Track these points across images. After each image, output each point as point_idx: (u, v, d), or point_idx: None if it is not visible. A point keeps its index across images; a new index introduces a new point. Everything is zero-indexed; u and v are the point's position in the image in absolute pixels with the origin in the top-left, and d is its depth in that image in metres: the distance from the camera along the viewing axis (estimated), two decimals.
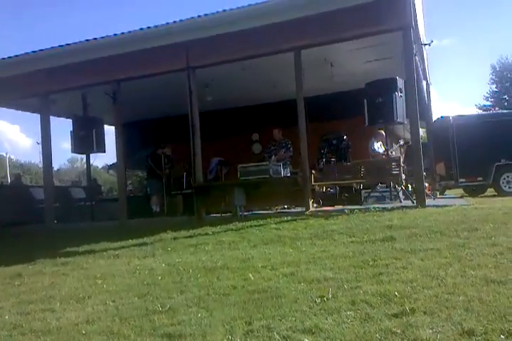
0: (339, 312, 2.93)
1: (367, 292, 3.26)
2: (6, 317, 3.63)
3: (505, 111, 22.52)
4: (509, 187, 11.91)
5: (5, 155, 42.24)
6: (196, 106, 8.95)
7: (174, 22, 8.85)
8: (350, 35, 8.03)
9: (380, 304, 3.00)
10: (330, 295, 3.28)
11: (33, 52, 9.90)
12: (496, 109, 37.39)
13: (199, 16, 8.67)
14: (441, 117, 13.65)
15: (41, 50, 9.85)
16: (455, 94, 74.67)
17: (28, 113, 12.51)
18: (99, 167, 37.97)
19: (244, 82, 10.47)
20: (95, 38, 9.36)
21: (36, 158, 67.42)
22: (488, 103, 40.29)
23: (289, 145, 9.75)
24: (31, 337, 3.12)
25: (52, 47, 9.71)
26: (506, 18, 65.34)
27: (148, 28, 8.98)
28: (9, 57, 10.17)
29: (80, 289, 4.29)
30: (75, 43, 9.48)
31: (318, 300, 3.21)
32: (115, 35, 9.23)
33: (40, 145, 10.69)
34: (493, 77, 40.49)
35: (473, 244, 4.32)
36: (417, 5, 8.35)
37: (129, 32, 9.14)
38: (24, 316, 3.59)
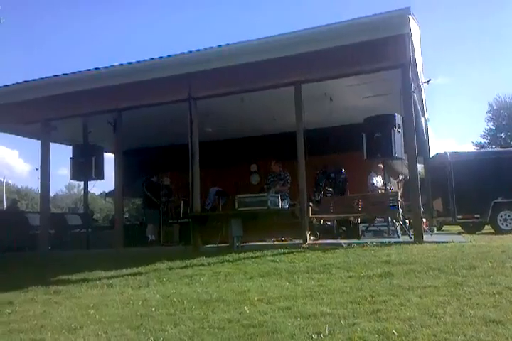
0: None
1: (364, 329, 3.21)
2: None
3: (502, 149, 22.74)
4: (506, 225, 11.90)
5: (2, 180, 42.13)
6: (196, 135, 9.04)
7: (177, 54, 9.07)
8: (350, 71, 8.22)
9: None
10: (327, 332, 3.23)
11: (34, 80, 10.08)
12: (493, 146, 37.82)
13: (202, 49, 8.90)
14: (439, 153, 13.78)
15: (43, 78, 10.03)
16: (451, 131, 75.58)
17: (28, 138, 12.60)
18: (97, 194, 37.82)
19: (243, 113, 10.61)
20: (98, 68, 9.55)
21: (33, 184, 67.26)
22: (485, 140, 40.75)
23: (288, 178, 9.78)
24: None
25: (54, 76, 9.88)
26: (502, 57, 66.91)
27: (151, 59, 9.18)
28: (11, 85, 10.34)
29: (72, 319, 4.21)
30: (77, 72, 9.67)
31: (315, 337, 3.16)
32: (118, 65, 9.43)
33: (39, 171, 10.70)
34: (490, 115, 41.10)
35: (471, 282, 4.29)
36: (416, 43, 8.58)
37: (132, 63, 9.31)
38: None
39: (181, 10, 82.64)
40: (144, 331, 3.66)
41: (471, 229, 13.11)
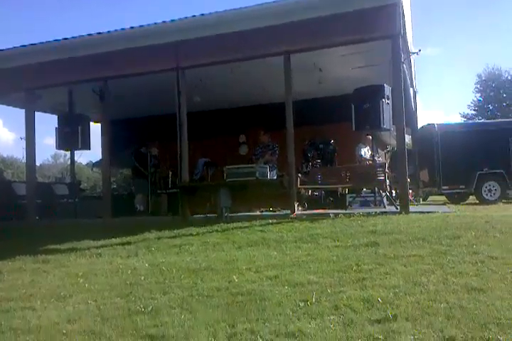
0: (322, 317, 2.96)
1: (350, 297, 3.29)
2: None
3: (489, 120, 22.89)
4: (490, 196, 12.12)
5: None
6: (184, 106, 8.92)
7: (164, 22, 8.79)
8: (339, 41, 8.08)
9: (363, 309, 3.03)
10: (313, 300, 3.30)
11: (21, 46, 9.76)
12: (480, 118, 38.02)
13: (190, 17, 8.65)
14: (427, 124, 13.83)
15: (29, 44, 9.70)
16: (440, 102, 75.76)
17: (12, 107, 12.34)
18: (84, 163, 37.57)
19: (232, 83, 10.45)
20: (82, 35, 9.27)
21: (19, 153, 66.50)
22: (472, 112, 40.90)
23: (276, 148, 9.76)
24: (11, 335, 3.08)
25: (39, 43, 9.59)
26: (493, 28, 66.42)
27: (139, 26, 8.92)
28: None
29: (61, 287, 4.24)
30: (63, 39, 9.35)
31: (302, 304, 3.23)
32: (104, 32, 9.15)
33: (24, 141, 10.53)
34: (478, 86, 41.09)
35: (455, 251, 4.39)
36: (406, 14, 8.45)
37: (119, 30, 9.06)
38: (3, 314, 3.54)
39: None
40: (133, 299, 3.71)
41: (456, 199, 13.34)
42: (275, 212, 8.71)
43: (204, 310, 3.31)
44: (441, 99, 75.75)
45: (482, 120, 32.75)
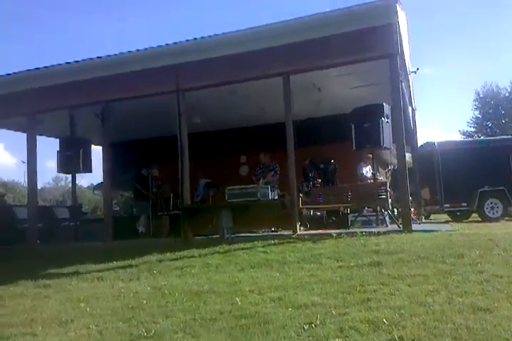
0: (327, 340, 2.92)
1: (355, 318, 3.24)
2: None
3: (489, 138, 22.97)
4: (493, 213, 12.05)
5: None
6: (185, 127, 9.00)
7: (165, 45, 8.97)
8: (338, 61, 8.20)
9: (369, 331, 2.98)
10: (318, 322, 3.25)
11: (20, 72, 9.92)
12: (479, 135, 38.18)
13: (189, 40, 8.81)
14: (427, 142, 13.88)
15: (29, 70, 9.86)
16: (438, 120, 76.19)
17: (14, 132, 12.42)
18: (85, 186, 37.56)
19: (232, 104, 10.57)
20: (84, 59, 9.43)
21: (20, 177, 66.54)
22: (472, 129, 41.10)
23: (277, 169, 9.79)
24: None
25: (40, 68, 9.73)
26: (490, 47, 67.35)
27: (138, 50, 9.07)
28: None
29: (63, 312, 4.19)
30: (64, 64, 9.51)
31: (307, 327, 3.18)
32: (105, 56, 9.31)
33: (26, 165, 10.58)
34: (477, 103, 41.41)
35: (459, 270, 4.34)
36: (403, 33, 8.58)
37: (119, 54, 9.23)
38: (4, 340, 3.49)
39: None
40: (135, 323, 3.66)
41: (458, 217, 13.28)
42: (277, 232, 8.68)
43: (207, 334, 3.26)
44: (439, 117, 76.19)
45: (482, 137, 32.92)
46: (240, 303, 3.94)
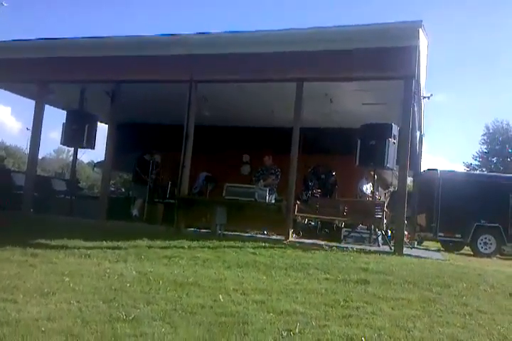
0: None
1: (334, 332, 3.25)
2: None
3: (493, 173, 22.97)
4: (485, 249, 12.03)
5: None
6: (193, 117, 9.00)
7: (183, 34, 9.00)
8: (354, 76, 8.25)
9: None
10: (297, 330, 3.26)
11: (40, 39, 9.93)
12: (483, 169, 38.17)
13: (211, 33, 8.85)
14: (430, 169, 13.89)
15: (46, 38, 9.89)
16: (443, 148, 76.24)
17: (23, 97, 12.43)
18: (85, 162, 37.58)
19: (243, 103, 10.59)
20: (104, 37, 9.46)
21: (23, 143, 66.60)
22: (476, 163, 41.13)
23: (278, 173, 9.79)
24: None
25: (57, 38, 9.75)
26: (504, 82, 67.43)
27: (160, 35, 9.11)
28: (12, 41, 10.18)
29: (46, 284, 4.19)
30: (85, 38, 9.54)
31: (285, 334, 3.19)
32: (123, 36, 9.33)
33: (30, 132, 10.58)
34: (485, 137, 41.42)
35: (444, 300, 4.35)
36: (422, 58, 8.60)
37: (139, 36, 9.24)
38: None
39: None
40: (116, 305, 3.66)
41: (450, 247, 13.24)
42: (269, 236, 8.69)
43: (186, 326, 3.26)
44: (445, 145, 76.19)
45: (485, 172, 32.90)
46: (222, 301, 3.94)
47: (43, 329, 3.03)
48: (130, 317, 3.35)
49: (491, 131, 41.15)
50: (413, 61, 7.73)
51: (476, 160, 41.38)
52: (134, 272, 4.89)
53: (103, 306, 3.63)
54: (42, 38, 9.99)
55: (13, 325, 3.06)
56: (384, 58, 7.89)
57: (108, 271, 4.88)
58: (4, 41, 10.34)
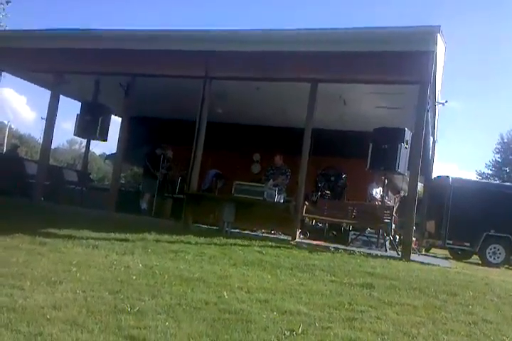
0: None
1: (337, 335, 3.24)
2: None
3: (505, 183, 22.71)
4: (494, 259, 11.92)
5: (6, 123, 41.95)
6: (205, 114, 9.01)
7: (200, 30, 9.01)
8: (369, 78, 8.22)
9: None
10: (300, 330, 3.26)
11: (57, 29, 9.97)
12: (495, 179, 37.80)
13: (227, 30, 8.85)
14: (442, 176, 13.78)
15: (63, 29, 9.90)
16: (456, 155, 75.49)
17: (39, 87, 12.54)
18: (97, 154, 37.83)
19: (256, 101, 10.58)
20: (121, 29, 9.50)
21: (36, 133, 67.28)
22: (489, 171, 40.73)
23: (288, 173, 9.78)
24: None
25: (77, 30, 9.78)
26: None
27: (176, 30, 9.15)
28: (30, 30, 10.28)
29: (53, 272, 4.23)
30: (102, 30, 9.58)
31: (288, 333, 3.19)
32: (139, 30, 9.36)
33: (44, 121, 10.67)
34: (499, 147, 41.00)
35: (450, 308, 4.31)
36: (439, 63, 8.51)
37: (155, 30, 9.26)
38: None
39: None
40: (121, 297, 3.69)
41: (458, 256, 13.13)
42: (276, 235, 8.68)
43: (189, 320, 3.27)
44: (458, 152, 75.50)
45: (497, 181, 32.56)
46: (226, 297, 3.95)
47: (48, 317, 3.06)
48: (135, 310, 3.37)
49: (505, 140, 40.73)
50: (430, 66, 7.65)
51: (489, 169, 41.01)
52: (140, 265, 4.91)
53: (108, 297, 3.65)
54: (59, 29, 10.02)
55: (19, 312, 3.10)
56: (401, 62, 7.82)
57: (115, 262, 4.91)
58: (22, 30, 10.43)
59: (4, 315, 3.00)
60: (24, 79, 12.38)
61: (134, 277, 4.36)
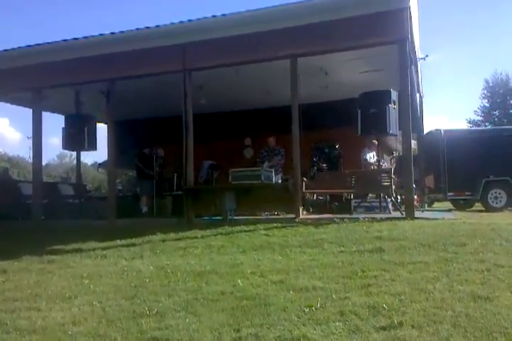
0: (327, 323, 2.95)
1: (355, 303, 3.28)
2: None
3: (496, 127, 22.80)
4: (496, 203, 12.05)
5: None
6: (190, 108, 8.94)
7: (172, 23, 8.86)
8: (346, 45, 8.10)
9: (369, 316, 3.02)
10: (318, 305, 3.29)
11: (28, 46, 9.82)
12: (486, 124, 37.91)
13: (198, 19, 8.70)
14: (433, 130, 13.80)
15: (36, 44, 9.76)
16: (444, 108, 75.30)
17: (19, 107, 12.39)
18: (89, 164, 37.67)
19: (238, 86, 10.49)
20: (92, 36, 9.33)
21: (25, 152, 66.74)
22: (479, 118, 40.80)
23: (282, 153, 9.78)
24: (16, 336, 3.08)
25: (47, 43, 9.63)
26: (500, 31, 66.08)
27: (146, 28, 8.96)
28: (4, 51, 10.09)
29: (67, 288, 4.25)
30: (71, 40, 9.41)
31: (307, 310, 3.22)
32: (112, 33, 9.20)
33: (30, 140, 10.59)
34: (485, 92, 40.99)
35: (461, 259, 4.37)
36: (414, 19, 8.44)
37: (126, 31, 9.11)
38: (9, 314, 3.54)
39: None
40: (138, 301, 3.71)
41: (461, 206, 13.28)
42: (279, 215, 8.71)
43: (209, 313, 3.31)
44: (446, 104, 75.34)
45: (489, 126, 32.67)
46: (241, 285, 3.98)
47: (69, 333, 3.08)
48: (153, 312, 3.40)
49: (490, 84, 40.74)
50: (405, 23, 7.60)
51: (478, 115, 41.07)
52: (151, 267, 4.93)
53: (125, 304, 3.68)
54: (27, 45, 9.86)
55: (41, 333, 3.11)
56: (376, 24, 7.73)
57: (126, 268, 4.93)
58: None
59: (26, 338, 3.03)
60: (2, 101, 12.23)
61: (147, 280, 4.39)
